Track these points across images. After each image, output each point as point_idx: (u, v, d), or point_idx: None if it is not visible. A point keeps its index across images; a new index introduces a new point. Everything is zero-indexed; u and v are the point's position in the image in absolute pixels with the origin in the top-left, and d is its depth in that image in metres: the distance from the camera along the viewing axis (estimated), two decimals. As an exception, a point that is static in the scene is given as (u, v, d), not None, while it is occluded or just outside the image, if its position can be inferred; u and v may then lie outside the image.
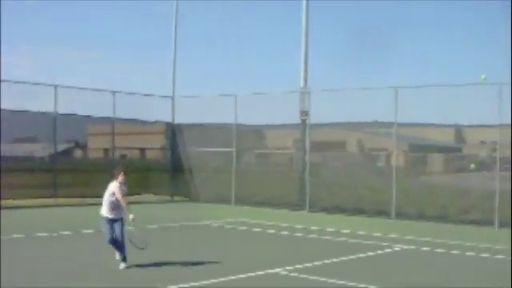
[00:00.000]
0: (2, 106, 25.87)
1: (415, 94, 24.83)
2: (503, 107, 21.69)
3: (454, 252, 16.48)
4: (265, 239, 18.85)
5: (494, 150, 23.89)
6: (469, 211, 23.84)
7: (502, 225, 21.48)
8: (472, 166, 46.34)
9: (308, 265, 13.95)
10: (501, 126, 22.06)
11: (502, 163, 25.45)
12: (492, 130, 22.88)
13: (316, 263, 14.26)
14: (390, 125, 24.64)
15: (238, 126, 29.09)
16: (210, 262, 13.76)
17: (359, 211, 24.86)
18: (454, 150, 61.83)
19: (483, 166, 37.27)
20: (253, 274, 12.70)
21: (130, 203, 12.81)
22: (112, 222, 12.81)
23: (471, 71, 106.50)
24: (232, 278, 12.27)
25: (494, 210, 21.74)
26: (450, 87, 24.39)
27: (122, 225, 12.90)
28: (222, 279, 12.05)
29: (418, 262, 15.16)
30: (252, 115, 29.45)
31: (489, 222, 21.76)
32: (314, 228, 20.77)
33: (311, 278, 12.57)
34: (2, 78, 26.07)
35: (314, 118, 26.96)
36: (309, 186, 26.43)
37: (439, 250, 16.65)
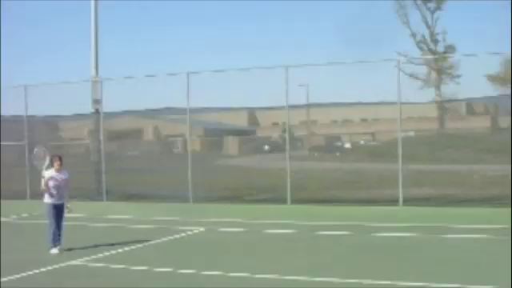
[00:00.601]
0: None
1: (208, 78, 25.33)
2: (290, 89, 22.80)
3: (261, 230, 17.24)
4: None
5: (285, 130, 24.93)
6: (263, 190, 24.80)
7: (293, 202, 22.53)
8: (266, 147, 48.28)
9: (113, 252, 14.13)
10: (289, 107, 23.10)
11: (292, 143, 26.69)
12: (282, 112, 23.80)
13: (119, 251, 14.39)
14: (183, 111, 24.87)
15: (29, 117, 28.04)
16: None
17: (157, 198, 24.93)
18: (249, 132, 63.98)
19: (276, 146, 38.90)
20: (56, 266, 12.72)
21: None
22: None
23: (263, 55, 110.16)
24: (42, 270, 12.37)
25: (286, 188, 22.69)
26: (241, 71, 25.17)
27: None
28: (29, 273, 12.06)
29: (217, 243, 15.68)
30: (44, 106, 28.47)
31: (282, 200, 22.71)
32: (113, 217, 20.69)
33: (115, 266, 12.70)
34: None
35: (107, 107, 26.67)
36: (105, 175, 26.09)
37: (239, 230, 17.43)
